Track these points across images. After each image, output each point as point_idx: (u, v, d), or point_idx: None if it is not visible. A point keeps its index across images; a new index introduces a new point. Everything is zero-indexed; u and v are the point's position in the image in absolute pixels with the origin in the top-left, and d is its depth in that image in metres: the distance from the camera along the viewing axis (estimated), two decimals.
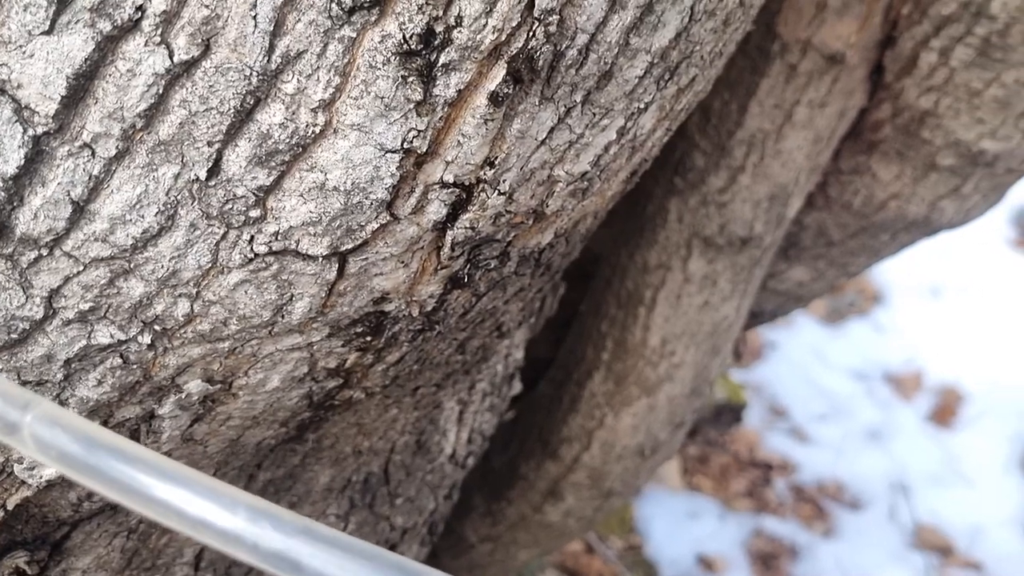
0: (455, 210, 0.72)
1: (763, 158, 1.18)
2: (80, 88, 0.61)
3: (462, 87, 0.65)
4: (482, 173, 0.71)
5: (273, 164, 0.65)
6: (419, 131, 0.66)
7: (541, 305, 1.22)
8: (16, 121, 0.62)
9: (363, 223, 0.69)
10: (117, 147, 0.63)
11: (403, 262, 0.74)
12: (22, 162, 0.63)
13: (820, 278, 1.41)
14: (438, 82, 0.64)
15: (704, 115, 1.20)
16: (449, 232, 0.74)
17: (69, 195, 0.64)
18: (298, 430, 0.89)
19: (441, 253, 0.75)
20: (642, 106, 0.76)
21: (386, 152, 0.66)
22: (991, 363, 3.75)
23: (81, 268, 0.67)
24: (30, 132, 0.62)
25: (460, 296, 0.81)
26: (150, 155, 0.64)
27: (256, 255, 0.69)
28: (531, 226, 0.79)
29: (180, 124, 0.63)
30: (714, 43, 0.78)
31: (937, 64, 1.09)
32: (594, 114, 0.73)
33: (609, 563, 2.91)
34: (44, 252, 0.66)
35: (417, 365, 0.88)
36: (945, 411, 3.68)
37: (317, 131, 0.65)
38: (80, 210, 0.65)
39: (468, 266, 0.78)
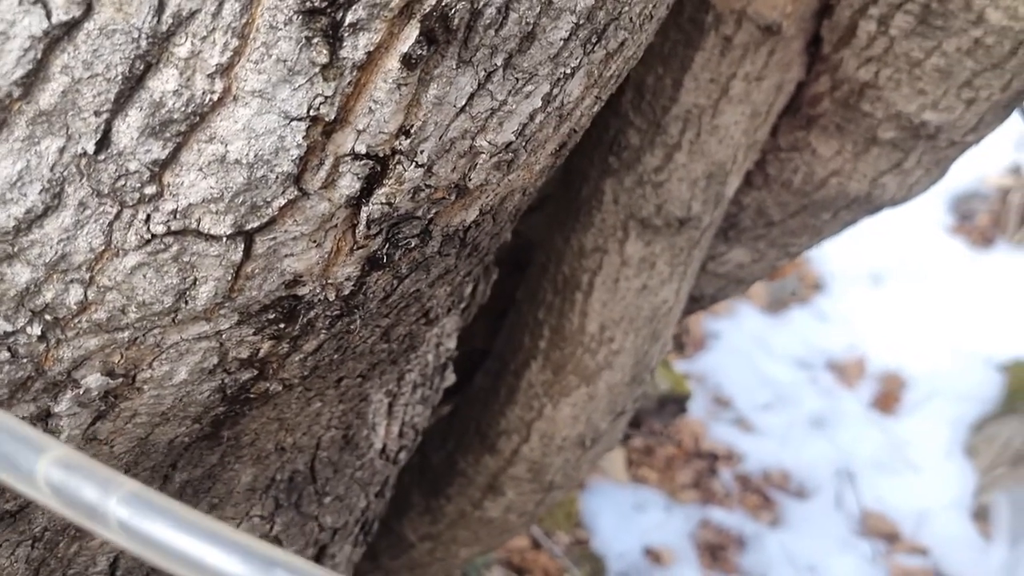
0: (369, 184, 0.67)
1: (699, 135, 1.14)
2: None
3: (372, 49, 0.60)
4: (397, 143, 0.66)
5: (168, 135, 0.60)
6: (326, 97, 0.61)
7: (473, 291, 1.18)
8: None
9: (269, 199, 0.64)
10: None
11: (315, 241, 0.69)
12: None
13: (761, 259, 1.38)
14: (345, 43, 0.59)
15: (638, 91, 1.16)
16: (364, 208, 0.69)
17: None
18: (213, 426, 0.83)
19: (356, 231, 0.70)
20: (568, 71, 0.72)
21: (291, 120, 0.61)
22: (932, 349, 3.78)
23: None
24: None
25: (380, 279, 0.76)
26: (31, 127, 0.58)
27: (154, 236, 0.64)
28: (454, 202, 0.74)
29: (63, 93, 0.58)
30: (644, 4, 0.74)
31: (876, 33, 1.06)
32: (517, 79, 0.69)
33: (556, 558, 2.88)
34: None
35: (338, 354, 0.83)
36: (888, 397, 3.69)
37: (215, 99, 0.59)
38: None
39: (387, 246, 0.73)
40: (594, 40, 0.71)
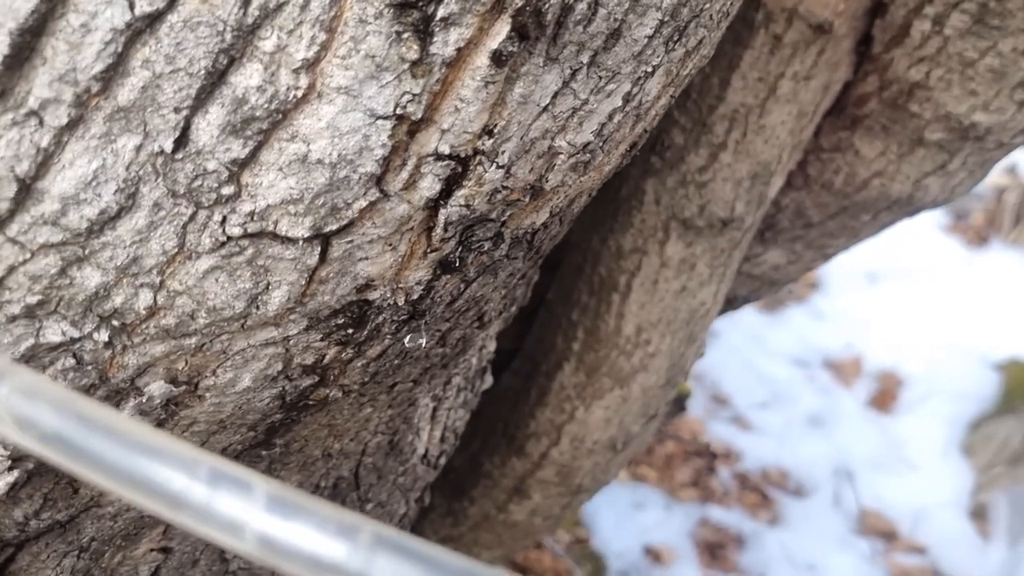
0: (448, 186, 0.65)
1: (745, 134, 1.12)
2: (25, 46, 0.53)
3: (462, 44, 0.57)
4: (480, 143, 0.63)
5: (249, 133, 0.57)
6: (414, 95, 0.58)
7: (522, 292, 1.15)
8: None
9: (350, 200, 0.61)
10: (69, 115, 0.55)
11: (391, 244, 0.66)
12: None
13: (797, 261, 1.36)
14: (436, 39, 0.57)
15: (683, 90, 1.14)
16: (442, 211, 0.66)
17: (13, 171, 0.55)
18: (267, 434, 0.80)
19: (432, 234, 0.67)
20: (649, 70, 0.69)
21: (377, 119, 0.58)
22: (928, 347, 3.78)
23: (28, 256, 0.59)
24: None
25: (448, 283, 0.74)
26: (107, 124, 0.56)
27: (229, 238, 0.61)
28: (527, 204, 0.71)
29: (142, 88, 0.55)
30: (724, 1, 0.71)
31: (930, 33, 1.04)
32: (600, 77, 0.66)
33: (558, 557, 2.87)
34: None
35: (398, 360, 0.80)
36: (885, 396, 3.69)
37: (299, 95, 0.56)
38: (27, 188, 0.56)
39: (460, 249, 0.70)
40: (676, 38, 0.69)
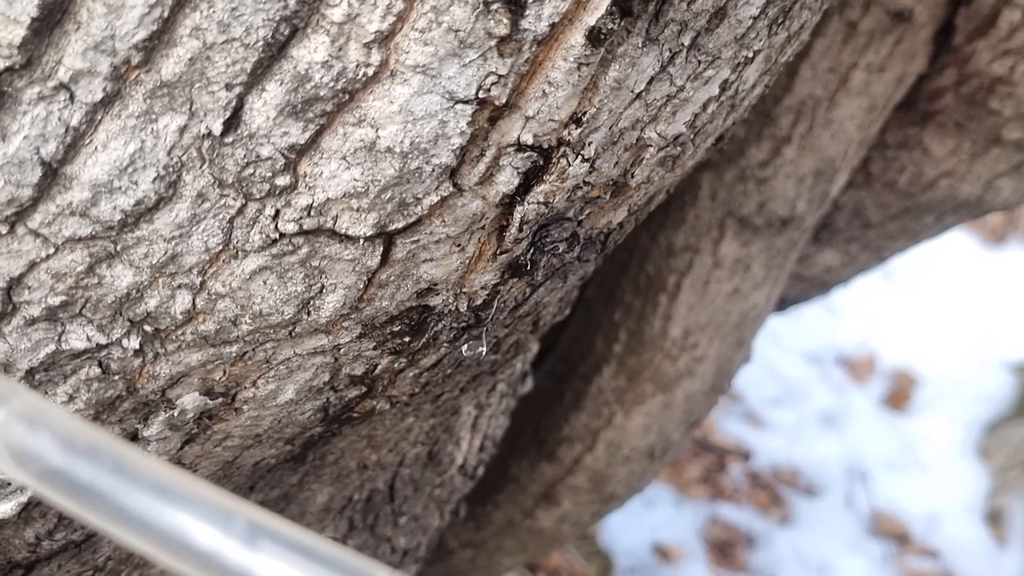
0: (527, 180, 0.57)
1: (812, 128, 1.04)
2: (57, 7, 0.45)
3: (556, 20, 0.50)
4: (566, 133, 0.55)
5: (310, 116, 0.49)
6: (499, 76, 0.50)
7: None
8: None
9: (420, 195, 0.54)
10: (105, 89, 0.47)
11: (459, 245, 0.58)
12: None
13: (851, 263, 1.28)
14: (528, 12, 0.49)
15: None
16: (518, 208, 0.58)
17: (39, 153, 0.48)
18: (304, 447, 0.73)
19: (505, 234, 0.60)
20: (750, 55, 0.61)
21: (456, 103, 0.51)
22: (943, 347, 3.72)
23: (52, 251, 0.51)
24: None
25: (514, 287, 0.66)
26: (148, 101, 0.48)
27: (282, 235, 0.53)
28: (607, 201, 0.64)
29: (190, 60, 0.47)
30: None
31: (1020, 23, 0.96)
32: (699, 62, 0.58)
33: (567, 554, 2.82)
34: (3, 230, 0.50)
35: (451, 369, 0.72)
36: (899, 395, 3.64)
37: (370, 73, 0.49)
38: (53, 173, 0.49)
39: (532, 250, 0.62)
40: (780, 20, 0.61)
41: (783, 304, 1.39)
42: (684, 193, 1.13)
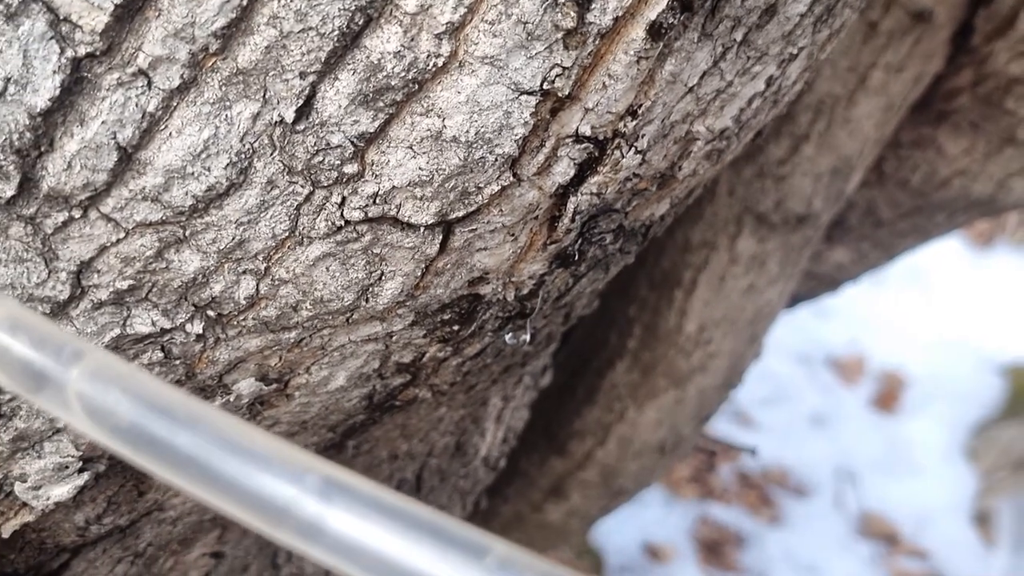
0: (582, 171, 0.58)
1: (830, 126, 1.06)
2: None
3: (620, 13, 0.51)
4: (621, 125, 0.57)
5: (381, 105, 0.50)
6: (564, 68, 0.51)
7: None
8: (52, 38, 0.46)
9: (481, 184, 0.55)
10: (182, 76, 0.48)
11: (512, 234, 0.60)
12: (56, 93, 0.47)
13: (861, 261, 1.29)
14: (594, 5, 0.50)
15: None
16: (571, 199, 0.59)
17: (115, 138, 0.48)
18: (344, 435, 0.74)
19: (557, 224, 0.61)
20: (795, 51, 0.63)
21: (521, 94, 0.52)
22: (932, 348, 3.74)
23: (122, 235, 0.52)
24: (69, 53, 0.46)
25: (559, 277, 0.67)
26: (224, 88, 0.49)
27: (347, 222, 0.54)
28: (653, 193, 0.65)
29: (266, 49, 0.48)
30: None
31: None
32: (748, 58, 0.59)
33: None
34: (76, 214, 0.50)
35: (492, 359, 0.73)
36: (888, 396, 3.66)
37: (439, 64, 0.50)
38: (128, 158, 0.49)
39: (580, 241, 0.63)
40: (824, 17, 0.63)
41: (793, 301, 1.40)
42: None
